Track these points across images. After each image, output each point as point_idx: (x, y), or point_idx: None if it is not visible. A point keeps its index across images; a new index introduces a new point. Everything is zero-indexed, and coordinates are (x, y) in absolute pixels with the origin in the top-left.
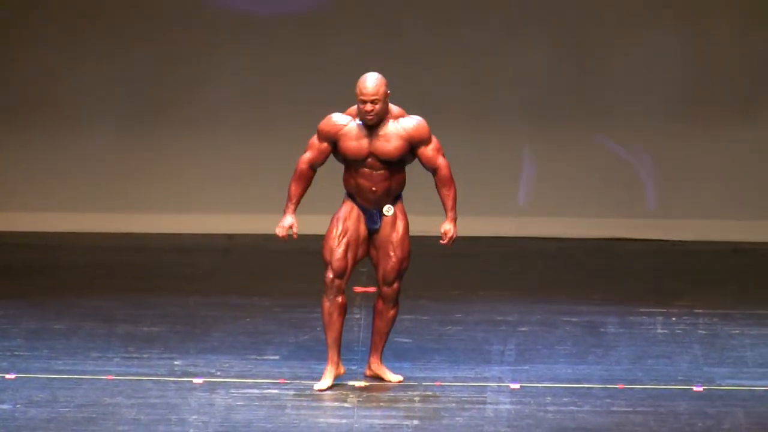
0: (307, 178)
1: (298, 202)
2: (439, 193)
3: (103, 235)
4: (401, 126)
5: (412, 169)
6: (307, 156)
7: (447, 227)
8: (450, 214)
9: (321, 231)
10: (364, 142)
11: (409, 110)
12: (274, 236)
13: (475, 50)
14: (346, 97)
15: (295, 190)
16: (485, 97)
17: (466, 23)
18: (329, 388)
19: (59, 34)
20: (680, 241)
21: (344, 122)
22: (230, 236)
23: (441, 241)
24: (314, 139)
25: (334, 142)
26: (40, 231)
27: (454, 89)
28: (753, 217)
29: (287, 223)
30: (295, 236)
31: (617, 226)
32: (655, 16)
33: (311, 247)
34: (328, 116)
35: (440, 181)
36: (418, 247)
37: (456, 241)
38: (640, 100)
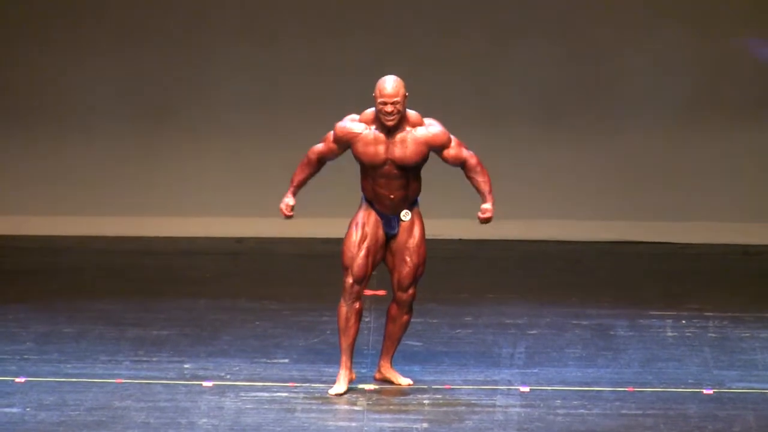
0: (313, 166)
1: (299, 187)
2: (472, 183)
3: (113, 239)
4: (419, 133)
5: (425, 173)
6: (319, 148)
7: (486, 206)
8: (488, 197)
9: (330, 234)
10: (381, 149)
11: (417, 111)
12: (281, 209)
13: (482, 53)
14: (353, 100)
15: (299, 175)
16: (493, 99)
17: (475, 26)
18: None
19: (65, 37)
20: (690, 243)
21: (360, 129)
22: (239, 240)
23: (478, 214)
24: (330, 136)
25: (347, 146)
26: (50, 235)
27: (461, 92)
28: (763, 219)
29: (290, 201)
30: (291, 216)
31: (627, 229)
32: (665, 20)
33: (320, 250)
34: (346, 120)
35: (470, 170)
36: (428, 250)
37: (461, 243)
38: (649, 104)
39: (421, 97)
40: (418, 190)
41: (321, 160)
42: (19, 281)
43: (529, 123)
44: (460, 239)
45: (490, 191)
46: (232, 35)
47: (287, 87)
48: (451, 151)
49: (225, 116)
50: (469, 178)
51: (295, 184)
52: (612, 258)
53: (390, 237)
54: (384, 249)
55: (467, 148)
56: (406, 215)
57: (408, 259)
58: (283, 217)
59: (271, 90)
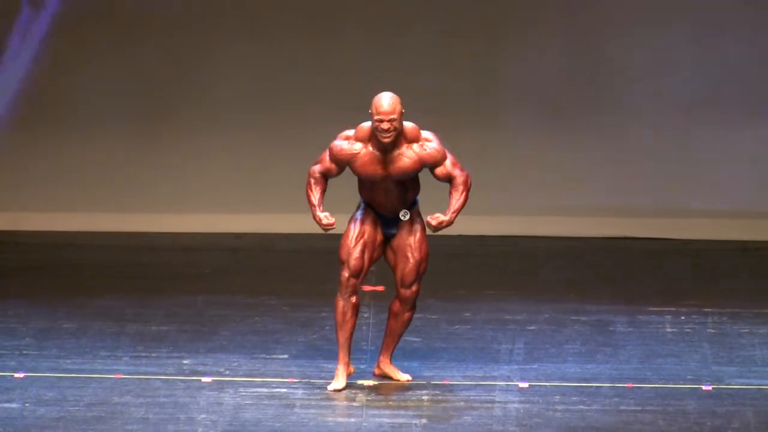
0: (322, 183)
1: (321, 204)
2: (449, 197)
3: (112, 235)
4: (416, 150)
5: (424, 173)
6: (319, 167)
7: (441, 215)
8: (450, 213)
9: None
10: (379, 167)
11: (418, 110)
12: (320, 225)
13: (485, 49)
14: (352, 99)
15: (314, 194)
16: (493, 97)
17: (476, 21)
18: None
19: (65, 36)
20: (689, 240)
21: (357, 150)
22: (238, 235)
23: (428, 219)
24: (326, 156)
25: (345, 166)
26: (49, 230)
27: (462, 88)
28: (763, 216)
29: (325, 213)
30: (333, 226)
31: (626, 225)
32: (666, 18)
33: (319, 246)
34: (341, 139)
35: (453, 186)
36: (428, 246)
37: (460, 239)
38: (650, 101)
39: (421, 96)
40: (417, 191)
41: (325, 177)
42: (18, 277)
43: (529, 120)
44: (459, 235)
45: (457, 211)
46: (232, 35)
47: (286, 86)
48: (443, 170)
49: (224, 113)
50: (449, 192)
51: (317, 203)
52: (611, 254)
53: (390, 236)
54: (383, 246)
55: (462, 168)
56: (405, 215)
57: (410, 255)
58: (332, 228)
59: (270, 88)
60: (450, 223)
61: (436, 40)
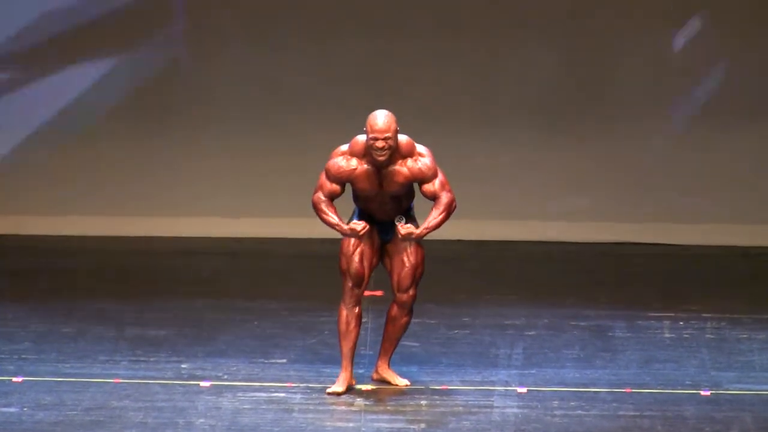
0: (331, 206)
1: (341, 220)
2: (429, 212)
3: (111, 239)
4: (409, 165)
5: None
6: (323, 192)
7: (413, 227)
8: (423, 227)
9: (327, 234)
10: (374, 183)
11: (415, 114)
12: (355, 233)
13: (482, 53)
14: (353, 100)
15: (330, 216)
16: (491, 100)
17: (473, 26)
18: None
19: (65, 37)
20: (689, 245)
21: (354, 166)
22: (238, 240)
23: (398, 226)
24: (324, 180)
25: (346, 182)
26: (48, 234)
27: (460, 92)
28: (761, 221)
29: (353, 221)
30: (367, 226)
31: (625, 230)
32: (666, 21)
33: (317, 250)
34: (336, 158)
35: (435, 204)
36: (426, 251)
37: (459, 244)
38: (649, 105)
39: (421, 99)
40: (411, 198)
41: (332, 199)
42: (17, 281)
43: (528, 124)
44: (458, 240)
45: (430, 228)
46: (234, 36)
47: (287, 87)
48: (431, 187)
49: (224, 116)
50: (431, 208)
51: (338, 221)
52: (610, 259)
53: (386, 241)
54: (380, 253)
55: (449, 191)
56: (400, 219)
57: (406, 260)
58: (366, 228)
59: (271, 90)
60: (419, 236)
61: (436, 43)
